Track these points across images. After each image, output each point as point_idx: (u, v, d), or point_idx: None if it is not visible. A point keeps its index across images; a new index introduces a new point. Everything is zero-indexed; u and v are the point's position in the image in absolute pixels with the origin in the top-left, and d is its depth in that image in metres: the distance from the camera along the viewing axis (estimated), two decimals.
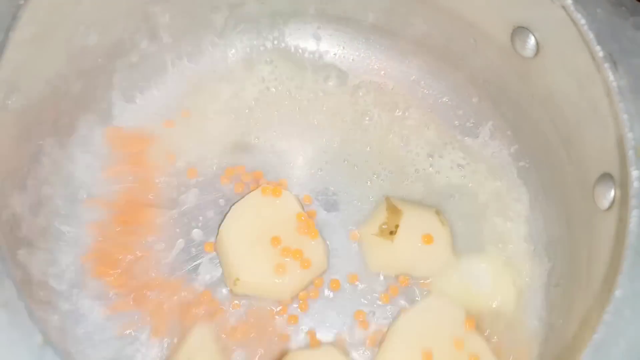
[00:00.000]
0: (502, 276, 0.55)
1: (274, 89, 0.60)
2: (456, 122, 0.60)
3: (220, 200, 0.56)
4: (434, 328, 0.51)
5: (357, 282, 0.54)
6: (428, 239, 0.53)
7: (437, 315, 0.52)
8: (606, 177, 0.45)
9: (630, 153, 0.41)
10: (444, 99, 0.61)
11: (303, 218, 0.53)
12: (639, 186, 0.40)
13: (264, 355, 0.51)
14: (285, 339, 0.52)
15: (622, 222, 0.41)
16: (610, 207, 0.44)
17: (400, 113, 0.60)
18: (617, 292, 0.37)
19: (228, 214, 0.53)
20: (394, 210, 0.54)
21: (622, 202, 0.42)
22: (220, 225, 0.53)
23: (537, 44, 0.50)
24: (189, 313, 0.52)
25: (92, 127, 0.56)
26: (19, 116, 0.47)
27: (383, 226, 0.54)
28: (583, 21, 0.44)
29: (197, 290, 0.53)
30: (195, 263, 0.53)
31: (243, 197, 0.54)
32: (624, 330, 0.37)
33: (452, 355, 0.50)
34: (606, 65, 0.43)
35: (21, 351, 0.34)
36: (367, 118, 0.60)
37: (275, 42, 0.61)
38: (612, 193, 0.44)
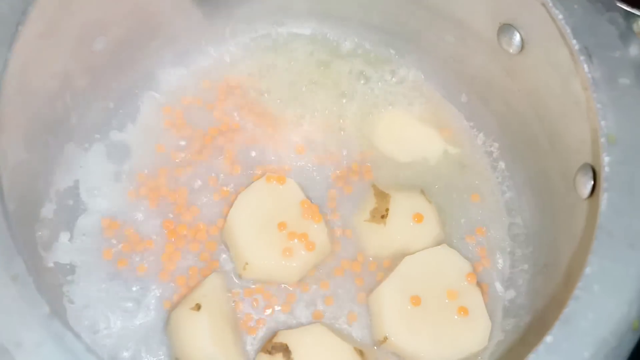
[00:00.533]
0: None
1: (273, 87, 0.61)
2: (446, 118, 0.61)
3: None
4: (431, 276, 0.52)
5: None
6: (419, 217, 0.54)
7: (439, 264, 0.53)
8: (586, 167, 0.47)
9: (603, 140, 0.43)
10: (433, 96, 0.61)
11: (307, 204, 0.54)
12: (609, 170, 0.42)
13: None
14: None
15: (595, 204, 0.42)
16: (590, 196, 0.46)
17: (388, 110, 0.61)
18: (587, 270, 0.39)
19: (235, 203, 0.54)
20: (381, 195, 0.55)
21: (597, 187, 0.44)
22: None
23: (522, 40, 0.51)
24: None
25: (97, 124, 0.57)
26: (27, 110, 0.48)
27: (374, 212, 0.55)
28: (561, 16, 0.46)
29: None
30: None
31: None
32: (593, 304, 0.38)
33: (442, 304, 0.51)
34: (582, 58, 0.45)
35: (30, 320, 0.36)
36: (356, 113, 0.60)
37: (274, 40, 0.63)
38: (592, 182, 0.46)
